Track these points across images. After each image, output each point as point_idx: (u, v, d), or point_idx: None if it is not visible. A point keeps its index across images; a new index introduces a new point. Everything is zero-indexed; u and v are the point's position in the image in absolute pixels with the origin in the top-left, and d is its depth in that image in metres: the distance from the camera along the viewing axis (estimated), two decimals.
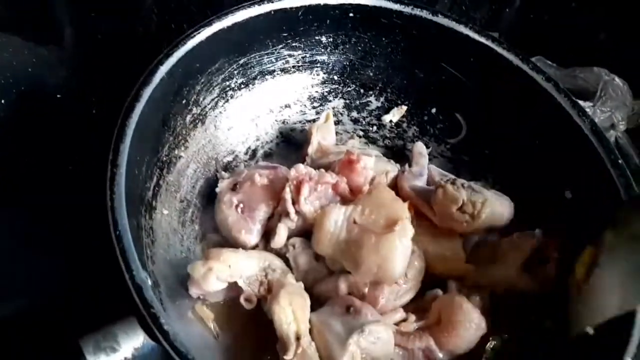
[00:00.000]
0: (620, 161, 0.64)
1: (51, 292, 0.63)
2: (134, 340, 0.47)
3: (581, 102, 0.88)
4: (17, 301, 0.64)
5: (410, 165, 0.76)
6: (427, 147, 0.81)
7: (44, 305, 0.61)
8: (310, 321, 0.59)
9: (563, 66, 0.98)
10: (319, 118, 0.82)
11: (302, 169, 0.67)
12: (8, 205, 0.74)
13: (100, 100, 0.87)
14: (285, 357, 0.55)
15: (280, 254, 0.67)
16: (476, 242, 0.69)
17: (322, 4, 0.77)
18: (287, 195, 0.66)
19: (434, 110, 0.84)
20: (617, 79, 0.95)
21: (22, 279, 0.66)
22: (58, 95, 0.87)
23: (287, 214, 0.66)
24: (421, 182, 0.72)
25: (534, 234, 0.66)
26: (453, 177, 0.71)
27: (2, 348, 0.57)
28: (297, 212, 0.66)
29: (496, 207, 0.66)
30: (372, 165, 0.68)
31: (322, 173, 0.67)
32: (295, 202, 0.66)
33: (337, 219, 0.63)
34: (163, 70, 0.66)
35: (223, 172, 0.74)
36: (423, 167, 0.74)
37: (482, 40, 0.77)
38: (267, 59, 0.80)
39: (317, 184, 0.66)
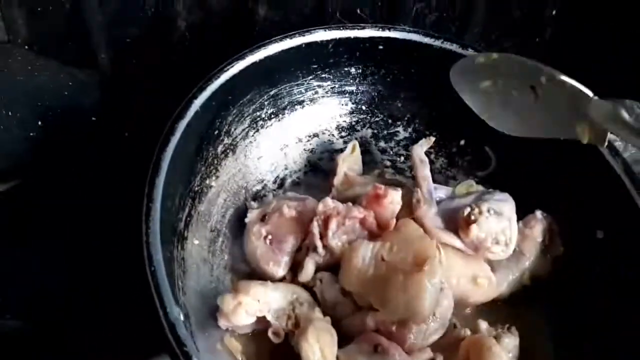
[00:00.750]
0: None
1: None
2: None
3: (612, 136, 0.88)
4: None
5: (414, 178, 0.74)
6: (455, 179, 0.81)
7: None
8: (337, 358, 0.59)
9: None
10: (346, 147, 0.82)
11: (330, 203, 0.68)
12: (42, 225, 0.76)
13: (133, 123, 0.90)
14: None
15: (308, 288, 0.67)
16: None
17: (352, 37, 0.79)
18: (315, 229, 0.67)
19: (462, 142, 0.84)
20: None
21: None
22: (93, 118, 0.90)
23: (315, 248, 0.67)
24: (434, 207, 0.71)
25: (537, 217, 0.68)
26: (468, 198, 0.71)
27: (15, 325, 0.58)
28: (325, 247, 0.67)
29: (514, 219, 0.68)
30: (399, 200, 0.68)
31: (350, 207, 0.68)
32: (322, 236, 0.67)
33: (365, 255, 0.64)
34: (197, 103, 0.68)
35: (252, 202, 0.75)
36: (429, 182, 0.73)
37: None
38: (297, 90, 0.82)
39: (345, 218, 0.67)
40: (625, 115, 0.55)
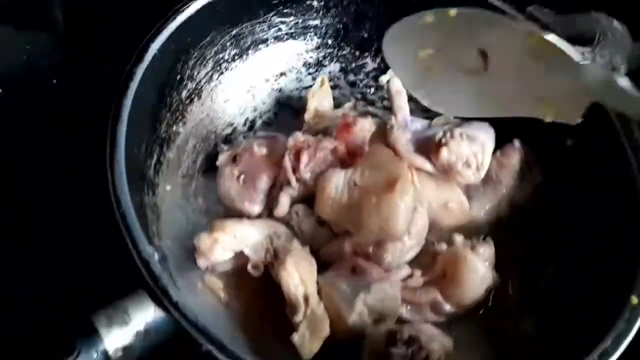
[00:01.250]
0: None
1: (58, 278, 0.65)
2: (144, 313, 0.49)
3: (580, 48, 0.87)
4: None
5: (391, 108, 0.73)
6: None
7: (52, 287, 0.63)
8: (317, 284, 0.60)
9: (561, 13, 0.96)
10: (314, 84, 0.81)
11: (299, 136, 0.67)
12: (11, 192, 0.75)
13: (96, 82, 0.87)
14: (295, 318, 0.56)
15: (285, 222, 0.67)
16: None
17: None
18: (287, 164, 0.66)
19: None
20: (615, 23, 0.92)
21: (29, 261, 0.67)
22: (54, 80, 0.87)
23: (289, 183, 0.66)
24: (409, 133, 0.70)
25: (515, 147, 0.68)
26: (445, 126, 0.69)
27: (15, 325, 0.59)
28: (298, 180, 0.66)
29: (489, 145, 0.67)
30: (369, 127, 0.68)
31: (320, 139, 0.68)
32: (295, 170, 0.66)
33: (337, 183, 0.64)
34: (154, 47, 0.66)
35: (223, 145, 0.74)
36: (405, 112, 0.72)
37: None
38: (259, 28, 0.79)
39: (316, 150, 0.67)
40: (622, 82, 0.51)
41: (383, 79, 0.84)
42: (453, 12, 0.58)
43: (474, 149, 0.66)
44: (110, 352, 0.47)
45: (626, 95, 0.51)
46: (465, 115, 0.64)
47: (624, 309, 0.51)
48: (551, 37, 0.53)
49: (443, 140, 0.66)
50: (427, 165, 0.67)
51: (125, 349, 0.47)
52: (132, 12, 0.92)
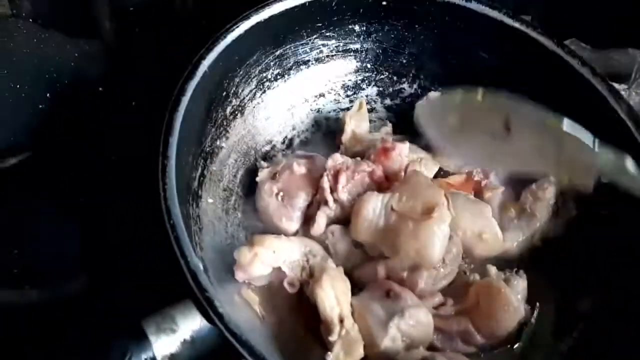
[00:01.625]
0: None
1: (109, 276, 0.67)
2: (191, 322, 0.51)
3: (616, 85, 0.88)
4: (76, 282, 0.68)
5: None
6: None
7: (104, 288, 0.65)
8: (351, 305, 0.61)
9: (597, 48, 0.97)
10: (352, 106, 0.83)
11: (338, 158, 0.69)
12: (61, 197, 0.77)
13: (141, 92, 0.90)
14: (330, 338, 0.58)
15: (320, 241, 0.69)
16: (501, 204, 0.73)
17: None
18: (325, 184, 0.68)
19: None
20: None
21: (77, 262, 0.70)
22: (100, 89, 0.90)
23: (326, 202, 0.68)
24: None
25: (550, 180, 0.70)
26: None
27: (65, 328, 0.61)
28: (336, 201, 0.68)
29: None
30: (407, 153, 0.70)
31: (359, 162, 0.69)
32: (333, 190, 0.68)
33: (375, 206, 0.65)
34: (205, 64, 0.69)
35: (262, 162, 0.76)
36: None
37: (516, 25, 0.77)
38: (302, 50, 0.82)
39: (354, 172, 0.68)
40: (630, 167, 0.56)
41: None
42: (479, 95, 0.66)
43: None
44: (159, 358, 0.49)
45: (635, 179, 0.57)
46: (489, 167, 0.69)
47: None
48: (567, 127, 0.60)
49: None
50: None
51: (173, 357, 0.49)
52: (177, 27, 0.96)
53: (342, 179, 0.68)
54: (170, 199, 0.57)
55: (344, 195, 0.68)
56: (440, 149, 0.72)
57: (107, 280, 0.66)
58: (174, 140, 0.62)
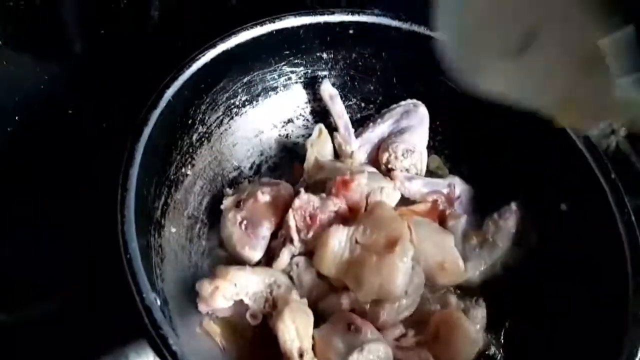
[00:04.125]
0: (613, 176, 0.66)
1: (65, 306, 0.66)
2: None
3: None
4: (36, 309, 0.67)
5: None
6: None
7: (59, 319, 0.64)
8: (313, 337, 0.61)
9: None
10: (312, 134, 0.82)
11: (305, 198, 0.68)
12: (21, 218, 0.76)
13: (111, 114, 0.90)
14: None
15: (285, 272, 0.69)
16: (464, 232, 0.73)
17: (322, 22, 0.80)
18: (292, 222, 0.68)
19: (437, 123, 0.85)
20: None
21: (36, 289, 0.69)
22: (70, 111, 0.90)
23: (291, 240, 0.68)
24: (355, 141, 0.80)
25: (512, 209, 0.71)
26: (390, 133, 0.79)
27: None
28: (301, 240, 0.68)
29: (424, 154, 0.81)
30: (365, 182, 0.70)
31: (325, 201, 0.69)
32: (299, 230, 0.68)
33: (340, 239, 0.65)
34: (169, 93, 0.69)
35: (227, 189, 0.76)
36: (345, 119, 0.81)
37: None
38: (270, 76, 0.83)
39: (321, 213, 0.68)
40: None
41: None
42: None
43: (414, 161, 0.77)
44: None
45: None
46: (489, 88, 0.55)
47: None
48: (602, 43, 0.48)
49: (390, 165, 0.77)
50: (383, 182, 0.74)
51: None
52: (149, 51, 0.96)
53: (310, 222, 0.68)
54: (128, 232, 0.56)
55: (310, 235, 0.68)
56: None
57: (65, 316, 0.65)
58: (135, 172, 0.62)
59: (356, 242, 0.64)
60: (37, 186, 0.81)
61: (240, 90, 0.80)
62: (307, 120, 0.87)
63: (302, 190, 0.69)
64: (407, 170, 0.79)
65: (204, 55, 0.72)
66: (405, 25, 0.80)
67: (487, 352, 0.64)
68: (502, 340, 0.66)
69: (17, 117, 0.86)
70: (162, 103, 0.68)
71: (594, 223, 0.66)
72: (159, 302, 0.54)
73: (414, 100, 0.84)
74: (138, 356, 0.50)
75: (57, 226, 0.74)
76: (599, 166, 0.67)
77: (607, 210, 0.64)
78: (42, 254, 0.72)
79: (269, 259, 0.70)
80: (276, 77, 0.83)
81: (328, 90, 0.82)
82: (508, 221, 0.71)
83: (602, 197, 0.65)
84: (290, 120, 0.86)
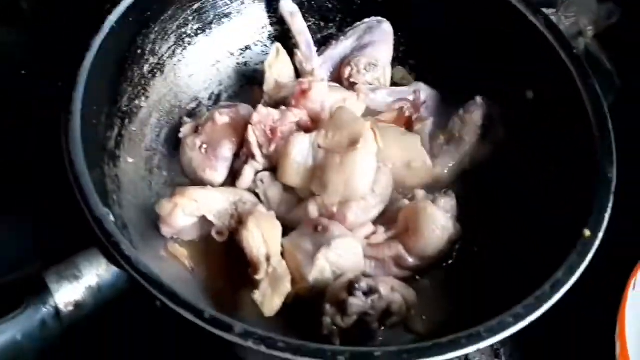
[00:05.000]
0: (575, 51, 0.64)
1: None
2: (96, 268, 0.48)
3: (544, 10, 0.87)
4: None
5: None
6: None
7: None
8: (282, 245, 0.59)
9: None
10: (270, 55, 0.78)
11: (264, 112, 0.66)
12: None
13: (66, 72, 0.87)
14: (256, 277, 0.56)
15: (251, 190, 0.67)
16: (430, 134, 0.71)
17: None
18: (252, 138, 0.65)
19: (399, 34, 0.81)
20: None
21: None
22: (23, 72, 0.87)
23: (253, 157, 0.66)
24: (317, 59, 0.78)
25: (477, 103, 0.69)
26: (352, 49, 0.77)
27: None
28: (264, 155, 0.66)
29: (388, 69, 0.78)
30: (326, 90, 0.68)
31: (284, 113, 0.66)
32: (261, 145, 0.66)
33: (302, 147, 0.63)
34: (112, 19, 0.66)
35: (186, 118, 0.74)
36: (306, 35, 0.79)
37: None
38: (222, 2, 0.79)
39: (282, 125, 0.66)
40: None
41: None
42: None
43: (377, 75, 0.75)
44: (61, 306, 0.46)
45: None
46: None
47: (577, 242, 0.51)
48: None
49: (352, 80, 0.75)
50: (344, 93, 0.72)
51: (77, 304, 0.47)
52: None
53: (271, 135, 0.66)
54: (74, 153, 0.54)
55: (272, 148, 0.66)
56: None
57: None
58: (79, 95, 0.59)
59: (319, 147, 0.62)
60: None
61: (191, 18, 0.77)
62: (266, 46, 0.84)
63: (260, 105, 0.67)
64: (370, 84, 0.76)
65: None
66: None
67: (460, 244, 0.62)
68: (476, 232, 0.64)
69: None
70: (105, 29, 0.65)
71: (559, 102, 0.64)
72: (113, 219, 0.52)
73: (378, 18, 0.81)
74: (90, 264, 0.48)
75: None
76: (560, 44, 0.64)
77: (572, 86, 0.62)
78: None
79: (233, 182, 0.68)
80: (228, 2, 0.80)
81: (287, 6, 0.78)
82: (474, 115, 0.69)
83: (566, 74, 0.63)
84: (247, 47, 0.83)
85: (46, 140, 0.75)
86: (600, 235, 0.51)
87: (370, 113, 0.75)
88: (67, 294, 0.47)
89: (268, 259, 0.56)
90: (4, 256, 0.62)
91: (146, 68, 0.73)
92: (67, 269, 0.47)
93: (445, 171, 0.68)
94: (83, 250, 0.49)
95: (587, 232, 0.51)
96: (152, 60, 0.73)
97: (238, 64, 0.82)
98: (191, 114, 0.77)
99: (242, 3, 0.81)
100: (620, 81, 0.85)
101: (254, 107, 0.72)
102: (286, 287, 0.55)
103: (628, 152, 0.59)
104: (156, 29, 0.73)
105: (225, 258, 0.63)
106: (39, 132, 0.78)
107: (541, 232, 0.59)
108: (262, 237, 0.57)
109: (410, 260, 0.60)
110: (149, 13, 0.72)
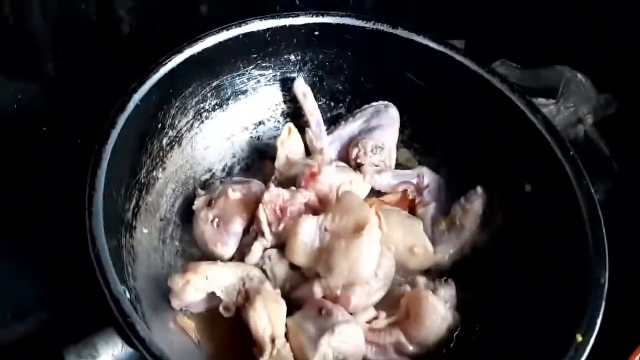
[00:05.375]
0: (572, 153, 0.68)
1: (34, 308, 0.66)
2: (112, 348, 0.50)
3: (544, 100, 0.93)
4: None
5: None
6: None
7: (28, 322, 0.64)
8: (286, 325, 0.62)
9: (527, 67, 1.01)
10: (282, 133, 0.83)
11: (274, 191, 0.69)
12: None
13: (85, 129, 0.91)
14: (261, 358, 0.58)
15: (258, 265, 0.69)
16: (433, 219, 0.75)
17: (287, 25, 0.81)
18: (262, 216, 0.68)
19: (404, 117, 0.87)
20: (579, 75, 0.98)
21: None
22: (44, 128, 0.91)
23: (263, 234, 0.69)
24: (326, 138, 0.82)
25: (478, 193, 0.73)
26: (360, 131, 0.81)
27: None
28: (273, 233, 0.69)
29: (393, 151, 0.83)
30: (334, 174, 0.71)
31: (294, 193, 0.70)
32: (270, 223, 0.69)
33: (309, 229, 0.66)
34: (137, 97, 0.70)
35: (200, 190, 0.77)
36: (317, 116, 0.83)
37: (441, 48, 0.81)
38: (239, 80, 0.84)
39: (291, 205, 0.69)
40: None
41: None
42: None
43: (382, 157, 0.79)
44: None
45: None
46: None
47: (570, 346, 0.53)
48: None
49: (359, 161, 0.79)
50: (351, 175, 0.76)
51: None
52: (121, 65, 0.97)
53: (280, 215, 0.69)
54: (95, 228, 0.57)
55: (281, 227, 0.69)
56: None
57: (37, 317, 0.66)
58: (102, 172, 0.62)
59: (325, 230, 0.65)
60: (14, 204, 0.81)
61: (209, 94, 0.82)
62: (278, 121, 0.88)
63: (271, 184, 0.70)
64: (376, 165, 0.80)
65: (170, 60, 0.74)
66: (368, 25, 0.83)
67: (460, 332, 0.65)
68: (475, 321, 0.66)
69: None
70: (130, 107, 0.69)
71: (555, 199, 0.67)
72: (128, 296, 0.55)
73: (385, 102, 0.85)
74: (106, 344, 0.50)
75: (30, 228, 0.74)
76: (558, 144, 0.69)
77: (568, 186, 0.66)
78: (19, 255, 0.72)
79: (242, 256, 0.71)
80: (245, 80, 0.85)
81: (301, 87, 0.84)
82: (474, 204, 0.73)
83: (562, 173, 0.67)
84: (261, 122, 0.87)
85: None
86: (592, 340, 0.54)
87: (375, 193, 0.78)
88: None
89: (273, 340, 0.59)
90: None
91: (165, 141, 0.77)
92: (85, 349, 0.50)
93: (446, 257, 0.71)
94: (100, 330, 0.51)
95: (579, 337, 0.53)
96: (171, 133, 0.78)
97: (251, 137, 0.87)
98: (205, 185, 0.81)
99: (258, 82, 0.86)
100: (618, 166, 0.90)
101: (265, 181, 0.76)
102: None
103: (626, 234, 0.61)
104: (177, 104, 0.78)
105: (230, 333, 0.65)
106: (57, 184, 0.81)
107: (535, 327, 0.61)
108: (268, 318, 0.60)
109: (411, 347, 0.62)
110: (171, 90, 0.76)
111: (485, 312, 0.67)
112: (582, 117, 0.99)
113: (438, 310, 0.61)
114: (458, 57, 0.79)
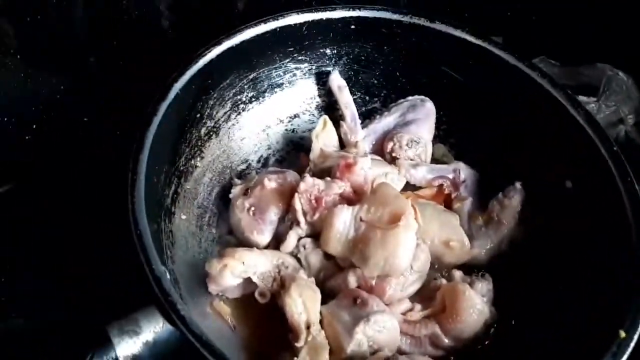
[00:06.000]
0: (615, 148, 0.66)
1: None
2: (154, 325, 0.52)
3: (584, 98, 0.91)
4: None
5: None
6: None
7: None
8: (320, 313, 0.62)
9: (567, 64, 1.00)
10: (317, 126, 0.83)
11: (310, 181, 0.70)
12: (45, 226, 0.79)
13: (125, 121, 0.93)
14: (296, 344, 0.58)
15: (293, 254, 0.70)
16: (469, 213, 0.74)
17: (324, 18, 0.82)
18: (297, 205, 0.69)
19: (441, 113, 0.86)
20: (621, 74, 0.96)
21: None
22: (85, 119, 0.93)
23: (298, 223, 0.69)
24: (361, 132, 0.82)
25: (517, 188, 0.72)
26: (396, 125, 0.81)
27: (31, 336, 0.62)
28: (308, 222, 0.69)
29: (429, 146, 0.83)
30: (369, 165, 0.71)
31: (329, 184, 0.70)
32: (305, 213, 0.69)
33: (345, 219, 0.66)
34: (177, 87, 0.71)
35: (236, 179, 0.78)
36: (352, 109, 0.83)
37: (479, 42, 0.80)
38: (276, 73, 0.85)
39: (326, 195, 0.69)
40: None
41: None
42: None
43: (418, 151, 0.79)
44: (121, 359, 0.49)
45: None
46: None
47: (612, 342, 0.52)
48: None
49: (394, 154, 0.79)
50: (386, 168, 0.76)
51: (135, 358, 0.50)
52: (161, 58, 0.99)
53: (315, 204, 0.69)
54: (138, 211, 0.58)
55: (316, 216, 0.69)
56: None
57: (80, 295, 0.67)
58: (144, 157, 0.64)
59: (361, 220, 0.65)
60: (54, 192, 0.83)
61: (246, 86, 0.83)
62: (313, 115, 0.89)
63: (307, 175, 0.71)
64: (411, 159, 0.80)
65: (209, 52, 0.75)
66: (405, 19, 0.83)
67: (495, 326, 0.64)
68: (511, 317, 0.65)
69: (34, 126, 0.89)
70: (171, 95, 0.70)
71: (598, 195, 0.66)
72: (168, 276, 0.56)
73: (422, 96, 0.85)
74: (148, 321, 0.52)
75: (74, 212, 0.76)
76: (601, 139, 0.67)
77: (611, 182, 0.64)
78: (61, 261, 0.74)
79: (277, 244, 0.71)
80: (281, 73, 0.85)
81: (336, 80, 0.84)
82: (513, 200, 0.72)
83: (605, 169, 0.65)
84: (296, 115, 0.88)
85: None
86: (636, 336, 0.52)
87: (410, 187, 0.78)
88: (127, 348, 0.50)
89: (308, 326, 0.59)
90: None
91: (203, 131, 0.78)
92: (128, 325, 0.51)
93: (483, 252, 0.70)
94: (142, 308, 0.52)
95: (622, 334, 0.52)
96: (209, 123, 0.79)
97: (286, 130, 0.88)
98: (241, 175, 0.82)
99: (294, 75, 0.87)
100: None
101: (300, 173, 0.76)
102: (324, 357, 0.57)
103: None
104: (215, 95, 0.79)
105: (265, 318, 0.65)
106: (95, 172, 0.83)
107: (574, 324, 0.60)
108: (304, 305, 0.60)
109: (446, 340, 0.61)
110: (209, 81, 0.77)
111: (521, 308, 0.66)
112: (624, 116, 0.97)
113: (475, 304, 0.61)
114: (497, 51, 0.79)
